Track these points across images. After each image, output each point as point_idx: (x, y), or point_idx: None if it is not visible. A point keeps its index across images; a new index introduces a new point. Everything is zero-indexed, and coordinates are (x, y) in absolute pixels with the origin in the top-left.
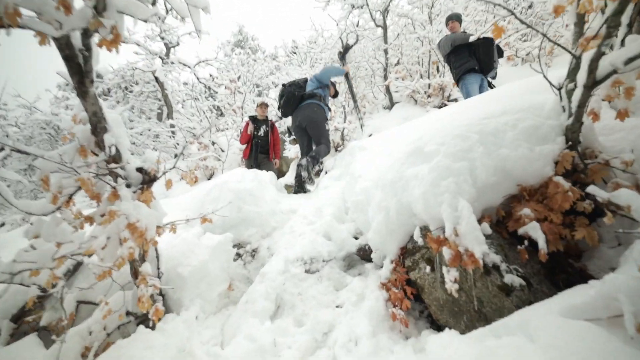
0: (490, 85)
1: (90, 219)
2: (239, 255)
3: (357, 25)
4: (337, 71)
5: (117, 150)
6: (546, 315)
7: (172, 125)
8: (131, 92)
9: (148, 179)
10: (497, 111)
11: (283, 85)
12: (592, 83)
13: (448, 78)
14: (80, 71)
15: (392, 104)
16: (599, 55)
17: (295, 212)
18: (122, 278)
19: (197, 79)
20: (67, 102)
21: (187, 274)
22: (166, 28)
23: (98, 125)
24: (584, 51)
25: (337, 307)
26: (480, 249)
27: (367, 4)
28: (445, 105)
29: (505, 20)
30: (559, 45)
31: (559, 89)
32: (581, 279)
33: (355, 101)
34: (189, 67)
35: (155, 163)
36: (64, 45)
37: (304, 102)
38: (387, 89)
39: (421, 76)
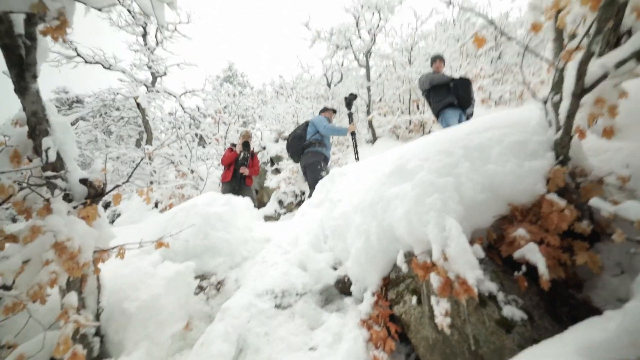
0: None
1: (13, 238)
2: (201, 288)
3: (342, 65)
4: (339, 132)
5: (59, 158)
6: (561, 357)
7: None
8: (109, 117)
9: (94, 192)
10: (481, 127)
11: (286, 138)
12: (581, 90)
13: (428, 115)
14: (20, 63)
15: (374, 138)
16: (589, 57)
17: (270, 240)
18: (52, 314)
19: (183, 108)
20: None
21: (133, 309)
22: (155, 58)
23: (37, 127)
24: (567, 62)
25: (310, 349)
26: (474, 275)
27: (351, 46)
28: None
29: (478, 68)
30: (537, 55)
31: (544, 102)
32: (586, 312)
33: (356, 152)
34: (175, 96)
35: (102, 174)
36: (3, 33)
37: (305, 150)
38: (370, 123)
39: (402, 112)
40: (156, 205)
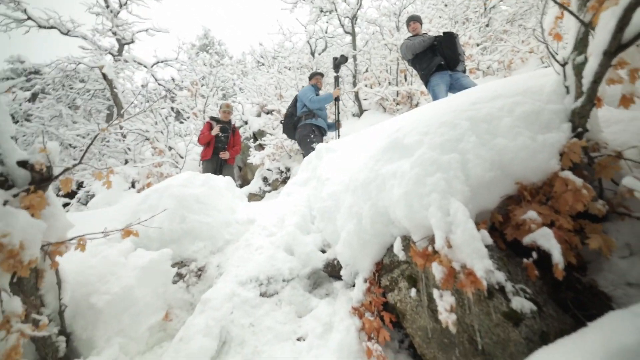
0: None
1: None
2: (180, 276)
3: (326, 32)
4: (325, 100)
5: None
6: None
7: (120, 127)
8: (73, 89)
9: (39, 177)
10: (489, 96)
11: (281, 121)
12: (618, 47)
13: (416, 85)
14: None
15: (361, 111)
16: (637, 2)
17: (254, 222)
18: None
19: (155, 79)
20: None
21: (103, 304)
22: (119, 23)
23: None
24: (596, 14)
25: (298, 340)
26: (483, 265)
27: (336, 9)
28: None
29: (467, 36)
30: (566, 9)
31: (563, 65)
32: (592, 297)
33: (338, 120)
34: (146, 66)
35: (45, 155)
36: None
37: (296, 126)
38: (356, 95)
39: (389, 83)
40: (133, 185)
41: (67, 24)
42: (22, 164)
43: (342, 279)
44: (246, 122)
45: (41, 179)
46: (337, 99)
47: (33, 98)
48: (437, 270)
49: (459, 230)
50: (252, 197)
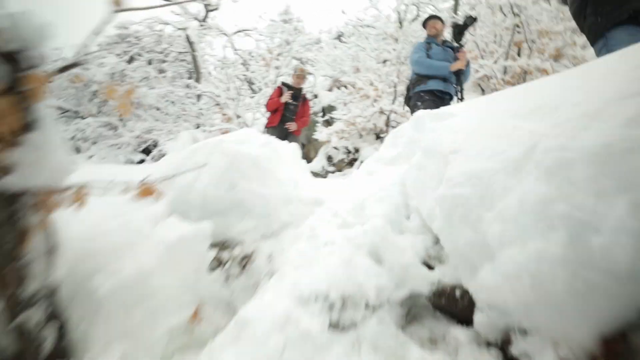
0: None
1: None
2: (219, 262)
3: None
4: (435, 70)
5: None
6: None
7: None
8: (160, 53)
9: (24, 65)
10: None
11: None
12: None
13: (538, 61)
14: None
15: None
16: None
17: (322, 203)
18: None
19: (234, 48)
20: (103, 59)
21: (106, 291)
22: None
23: None
24: None
25: None
26: None
27: None
28: None
29: None
30: None
31: None
32: None
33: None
34: (226, 34)
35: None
36: None
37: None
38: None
39: (499, 58)
40: None
41: None
42: None
43: (469, 325)
44: (316, 96)
45: (27, 65)
46: (458, 74)
47: (130, 61)
48: None
49: None
50: (314, 176)
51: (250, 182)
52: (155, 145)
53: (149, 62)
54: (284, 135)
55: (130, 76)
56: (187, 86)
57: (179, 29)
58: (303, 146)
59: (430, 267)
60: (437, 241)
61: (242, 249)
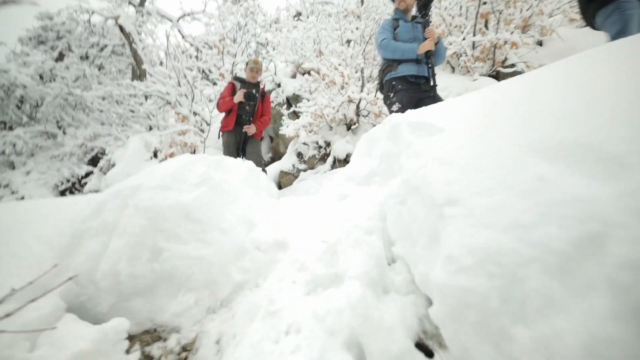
0: None
1: None
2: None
3: None
4: (402, 53)
5: None
6: None
7: (133, 87)
8: (92, 46)
9: None
10: None
11: None
12: None
13: (507, 34)
14: None
15: None
16: None
17: (286, 247)
18: None
19: (182, 35)
20: (26, 58)
21: None
22: None
23: None
24: None
25: None
26: None
27: None
28: (499, 73)
29: None
30: None
31: None
32: None
33: (433, 85)
34: (170, 19)
35: None
36: None
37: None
38: None
39: (467, 33)
40: (155, 155)
41: None
42: None
43: None
44: (279, 85)
45: None
46: (428, 55)
47: (60, 57)
48: None
49: None
50: (284, 175)
51: (182, 243)
52: (103, 153)
53: (83, 58)
54: (242, 140)
55: (62, 76)
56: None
57: (108, 18)
58: (271, 139)
59: (428, 354)
60: (431, 302)
61: (180, 337)
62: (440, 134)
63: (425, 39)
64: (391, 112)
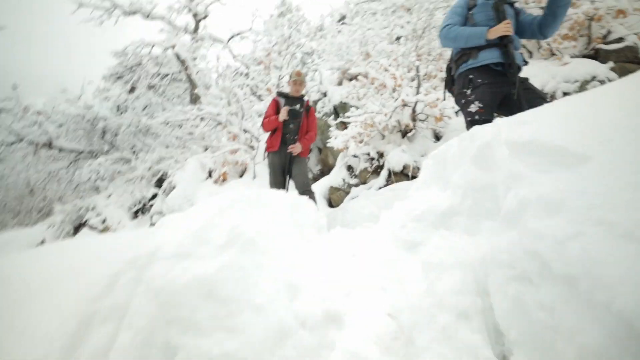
0: None
1: None
2: None
3: None
4: (469, 39)
5: None
6: None
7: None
8: (150, 73)
9: None
10: None
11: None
12: None
13: (612, 1)
14: None
15: None
16: None
17: (340, 322)
18: None
19: (233, 55)
20: (107, 93)
21: None
22: None
23: None
24: None
25: None
26: None
27: None
28: (599, 51)
29: None
30: None
31: None
32: None
33: (515, 84)
34: (221, 41)
35: None
36: None
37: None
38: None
39: None
40: (210, 175)
41: (146, 7)
42: None
43: None
44: (325, 94)
45: None
46: (502, 41)
47: (132, 89)
48: None
49: None
50: (334, 191)
51: (203, 336)
52: (165, 175)
53: (150, 87)
54: (289, 160)
55: (133, 106)
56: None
57: (167, 48)
58: (320, 151)
59: None
60: None
61: None
62: (584, 167)
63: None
64: (467, 113)
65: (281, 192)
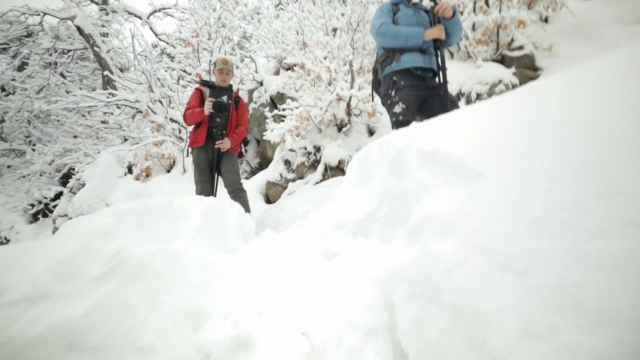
0: None
1: None
2: None
3: None
4: (405, 39)
5: None
6: None
7: (111, 95)
8: (55, 51)
9: None
10: None
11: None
12: None
13: (513, 11)
14: None
15: None
16: None
17: (250, 348)
18: None
19: (155, 34)
20: None
21: None
22: None
23: None
24: None
25: None
26: None
27: None
28: (504, 57)
29: None
30: None
31: None
32: None
33: (443, 82)
34: (140, 17)
35: None
36: None
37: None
38: None
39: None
40: (130, 170)
41: None
42: None
43: None
44: (261, 83)
45: None
46: (436, 43)
47: (21, 67)
48: None
49: None
50: (272, 186)
51: None
52: (71, 171)
53: (46, 66)
54: (216, 156)
55: (23, 87)
56: (93, 90)
57: (63, 19)
58: (258, 143)
59: None
60: None
61: None
62: (477, 184)
63: (433, 23)
64: (392, 114)
65: (198, 197)
